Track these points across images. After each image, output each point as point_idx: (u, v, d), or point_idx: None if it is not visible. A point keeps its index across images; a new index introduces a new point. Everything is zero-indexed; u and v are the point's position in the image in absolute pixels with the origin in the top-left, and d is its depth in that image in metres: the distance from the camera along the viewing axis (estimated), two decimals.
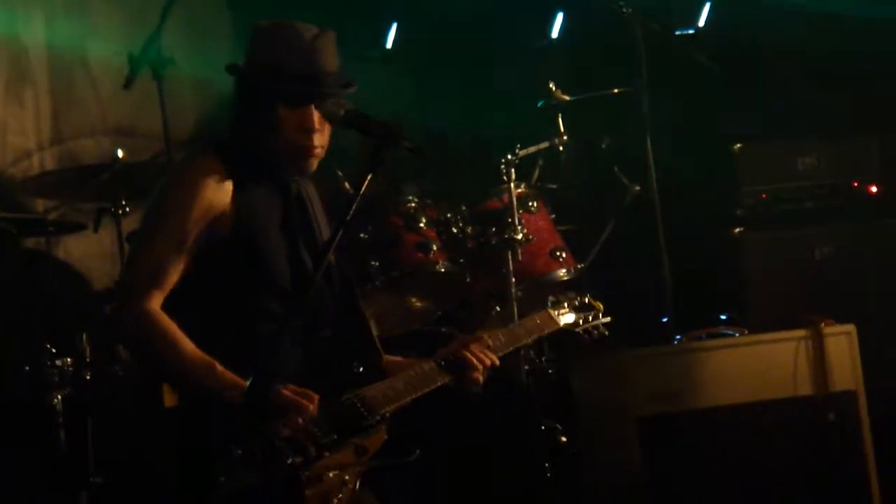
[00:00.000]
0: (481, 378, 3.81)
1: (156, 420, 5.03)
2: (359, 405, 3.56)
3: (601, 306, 4.28)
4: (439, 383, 3.76)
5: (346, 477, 3.49)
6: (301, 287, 3.63)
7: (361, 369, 3.66)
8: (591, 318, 4.28)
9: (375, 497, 3.68)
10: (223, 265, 3.60)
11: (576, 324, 4.25)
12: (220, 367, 3.44)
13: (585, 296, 4.29)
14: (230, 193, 3.62)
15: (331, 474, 3.44)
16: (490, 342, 3.91)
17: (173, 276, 3.55)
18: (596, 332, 4.29)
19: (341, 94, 3.74)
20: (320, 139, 3.73)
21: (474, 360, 3.80)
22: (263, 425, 3.34)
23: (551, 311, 4.22)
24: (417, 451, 3.58)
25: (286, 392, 3.40)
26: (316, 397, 3.43)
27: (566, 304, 4.26)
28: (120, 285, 3.63)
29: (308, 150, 3.72)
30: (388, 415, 3.61)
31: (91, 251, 6.10)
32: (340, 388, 3.54)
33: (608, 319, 4.40)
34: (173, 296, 3.55)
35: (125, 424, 5.16)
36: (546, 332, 4.17)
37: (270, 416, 3.35)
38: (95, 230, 5.70)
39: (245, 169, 3.67)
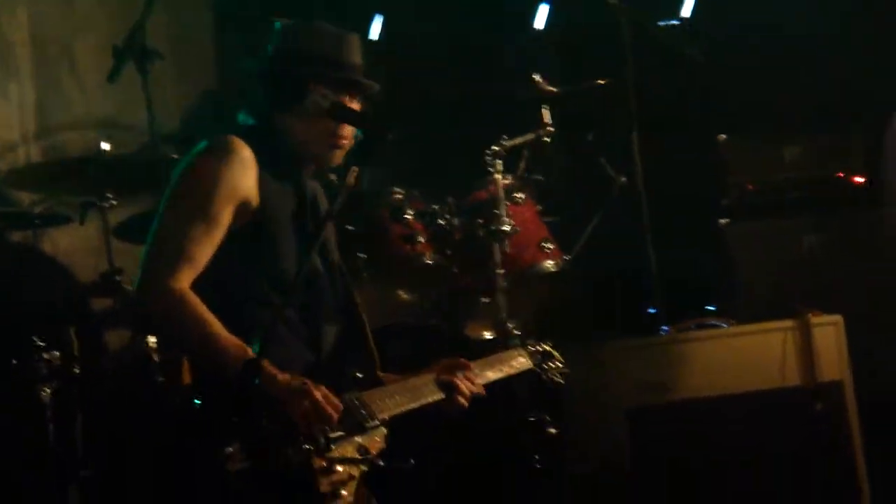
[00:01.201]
0: (466, 405, 3.82)
1: (145, 412, 5.03)
2: (360, 407, 3.56)
3: (560, 356, 4.34)
4: (432, 399, 3.77)
5: (353, 472, 3.49)
6: (306, 284, 3.61)
7: (359, 376, 3.66)
8: (551, 365, 4.32)
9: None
10: (235, 250, 3.55)
11: (540, 368, 4.31)
12: (252, 352, 3.39)
13: (547, 343, 4.34)
14: (256, 181, 3.58)
15: (340, 468, 3.44)
16: (477, 371, 3.93)
17: (203, 255, 3.49)
18: (555, 380, 4.32)
19: (368, 86, 3.76)
20: (350, 129, 3.70)
21: (463, 387, 3.81)
22: (281, 412, 3.34)
23: (522, 351, 4.28)
24: (412, 461, 3.60)
25: (318, 394, 3.38)
26: (340, 406, 3.42)
27: (532, 348, 4.31)
28: (146, 262, 3.49)
29: (340, 138, 3.70)
30: (386, 420, 3.61)
31: (77, 244, 6.09)
32: (341, 389, 3.53)
33: (566, 371, 4.40)
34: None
35: (113, 418, 5.14)
36: (517, 371, 4.19)
37: (294, 408, 3.35)
38: (81, 223, 5.68)
39: (267, 159, 3.63)
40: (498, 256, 5.61)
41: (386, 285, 5.80)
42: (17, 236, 5.94)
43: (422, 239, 5.68)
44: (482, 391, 3.88)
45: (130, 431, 5.08)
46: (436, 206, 5.83)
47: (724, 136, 6.30)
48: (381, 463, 3.55)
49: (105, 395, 5.18)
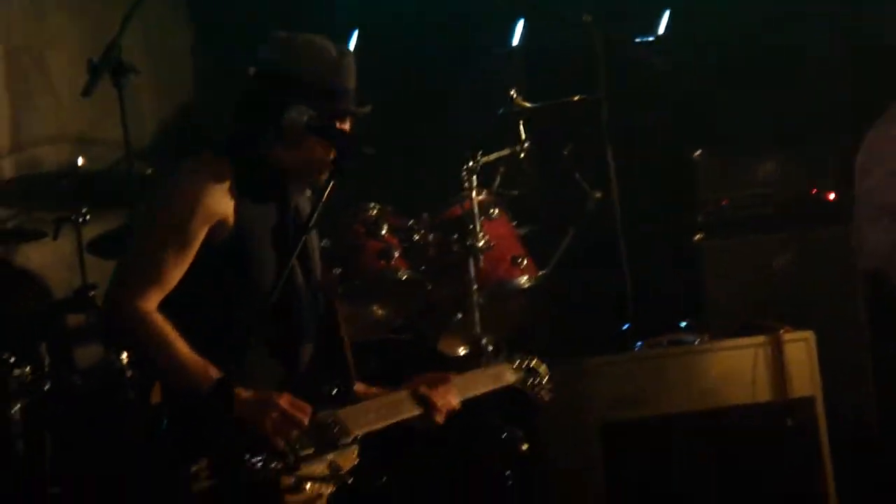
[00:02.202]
0: (442, 420, 3.79)
1: (115, 429, 5.02)
2: (334, 424, 3.55)
3: (546, 371, 4.27)
4: (409, 415, 3.75)
5: (321, 490, 3.50)
6: (286, 299, 3.60)
7: (335, 392, 3.65)
8: (537, 381, 4.25)
9: None
10: (212, 268, 3.55)
11: (524, 383, 4.24)
12: (214, 370, 3.40)
13: (533, 358, 4.27)
14: (233, 200, 3.57)
15: (308, 485, 3.44)
16: (459, 385, 3.90)
17: (174, 276, 3.50)
18: (540, 395, 4.27)
19: (360, 113, 3.72)
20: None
21: (440, 402, 3.77)
22: (250, 429, 3.35)
23: (506, 366, 4.20)
24: (384, 478, 3.60)
25: (283, 402, 3.39)
26: (309, 409, 3.43)
27: (517, 363, 4.24)
28: (113, 281, 3.52)
29: (326, 163, 3.65)
30: (360, 437, 3.61)
31: (50, 259, 6.06)
32: (316, 406, 3.52)
33: (551, 387, 4.35)
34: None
35: (84, 435, 5.12)
36: (500, 386, 4.14)
37: (262, 422, 3.36)
38: (55, 238, 5.67)
39: (249, 177, 3.62)
40: (472, 272, 5.62)
41: (360, 301, 5.80)
42: None
43: (396, 254, 5.68)
44: (458, 407, 3.85)
45: (100, 449, 5.06)
46: (411, 222, 5.83)
47: (698, 153, 6.32)
48: (350, 481, 3.54)
49: (76, 412, 5.16)
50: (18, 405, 5.01)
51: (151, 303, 3.46)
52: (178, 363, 3.42)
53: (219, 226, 3.55)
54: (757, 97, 6.77)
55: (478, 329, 5.54)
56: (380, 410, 3.69)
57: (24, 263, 6.03)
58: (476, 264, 5.63)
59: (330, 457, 3.52)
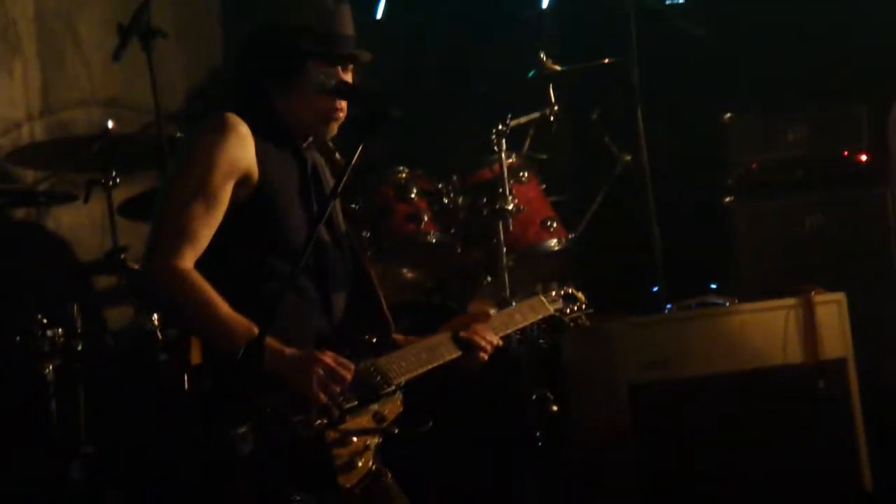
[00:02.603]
0: (486, 358, 3.81)
1: (147, 390, 5.05)
2: (375, 373, 3.56)
3: (584, 298, 4.29)
4: (450, 357, 3.76)
5: (368, 442, 3.51)
6: (314, 254, 3.59)
7: (375, 340, 3.65)
8: (575, 308, 4.28)
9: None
10: (242, 225, 3.55)
11: (563, 312, 4.25)
12: (254, 327, 3.38)
13: (570, 287, 4.29)
14: (256, 154, 3.56)
15: (355, 438, 3.45)
16: (494, 322, 3.92)
17: (206, 233, 3.49)
18: (580, 321, 4.31)
19: (362, 58, 3.72)
20: (344, 102, 3.68)
21: (482, 341, 3.79)
22: (293, 387, 3.36)
23: (542, 298, 4.21)
24: (430, 423, 3.59)
25: (327, 359, 3.40)
26: (353, 367, 3.44)
27: (553, 293, 4.26)
28: (148, 243, 3.50)
29: (335, 111, 3.67)
30: (402, 384, 3.61)
31: (81, 222, 6.09)
32: (355, 357, 3.53)
33: (591, 310, 4.40)
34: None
35: (116, 395, 5.16)
36: (539, 317, 4.16)
37: (305, 380, 3.36)
38: (86, 201, 5.69)
39: (265, 132, 3.61)
40: (502, 235, 5.62)
41: (390, 263, 5.81)
42: (20, 214, 5.94)
43: (426, 217, 5.69)
44: (500, 343, 3.86)
45: (132, 409, 5.09)
46: (440, 185, 5.84)
47: (728, 115, 6.29)
48: (397, 430, 3.55)
49: (108, 372, 5.20)
50: (51, 366, 5.06)
51: (187, 261, 3.45)
52: (219, 322, 3.41)
53: (244, 181, 3.55)
54: (787, 58, 6.73)
55: (507, 292, 5.54)
56: (420, 355, 3.69)
57: (55, 226, 6.06)
58: (505, 228, 5.63)
59: (374, 407, 3.53)
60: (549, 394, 5.44)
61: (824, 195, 6.13)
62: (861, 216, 6.07)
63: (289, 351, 3.41)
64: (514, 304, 4.31)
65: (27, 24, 6.09)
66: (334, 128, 3.73)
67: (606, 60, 6.03)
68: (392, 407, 3.59)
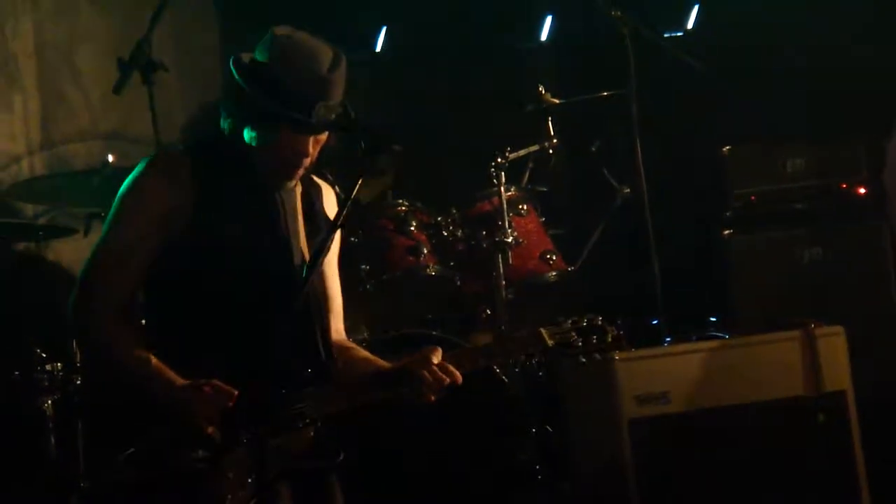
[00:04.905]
0: (433, 396, 3.66)
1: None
2: (291, 405, 3.56)
3: (611, 329, 3.98)
4: (382, 395, 3.67)
5: (249, 479, 3.49)
6: (256, 284, 3.63)
7: (309, 370, 3.64)
8: (594, 339, 3.95)
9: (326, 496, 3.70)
10: (180, 258, 3.60)
11: (571, 345, 3.92)
12: (154, 362, 3.49)
13: (596, 318, 3.99)
14: (188, 188, 3.59)
15: (231, 474, 3.47)
16: (460, 358, 3.75)
17: (132, 276, 3.60)
18: (601, 353, 3.98)
19: (318, 133, 3.68)
20: (310, 159, 3.68)
21: (429, 378, 3.63)
22: (175, 418, 3.43)
23: (543, 331, 3.92)
24: (342, 455, 3.59)
25: (207, 388, 3.44)
26: (234, 394, 3.44)
27: (568, 324, 3.96)
28: (77, 285, 3.67)
29: (296, 169, 3.69)
30: (318, 418, 3.60)
31: (81, 256, 5.97)
32: (285, 386, 3.56)
33: (620, 345, 4.07)
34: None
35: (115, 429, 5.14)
36: (524, 353, 3.89)
37: (187, 411, 3.43)
38: (86, 235, 5.69)
39: (218, 167, 3.64)
40: (501, 268, 5.63)
41: (390, 296, 5.80)
42: (20, 247, 5.95)
43: (425, 250, 5.70)
44: (458, 379, 3.65)
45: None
46: (439, 218, 5.84)
47: (727, 148, 6.30)
48: (301, 464, 3.56)
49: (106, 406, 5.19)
50: (49, 400, 5.05)
51: (106, 309, 3.59)
52: (122, 360, 3.56)
53: (176, 216, 3.59)
54: (786, 91, 6.74)
55: (506, 325, 5.54)
56: (351, 390, 3.65)
57: (55, 259, 6.06)
58: (505, 260, 5.64)
59: (277, 441, 3.51)
60: (548, 428, 5.43)
61: (823, 228, 6.14)
62: (859, 249, 6.07)
63: (179, 382, 3.47)
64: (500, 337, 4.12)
65: (27, 58, 6.12)
66: (296, 178, 3.72)
67: (605, 93, 6.04)
68: (300, 440, 3.58)
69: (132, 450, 3.41)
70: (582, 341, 3.94)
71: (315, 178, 3.90)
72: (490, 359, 3.96)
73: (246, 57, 3.68)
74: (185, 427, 3.45)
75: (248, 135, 3.66)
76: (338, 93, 3.63)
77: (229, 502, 3.48)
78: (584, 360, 3.96)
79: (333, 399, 3.63)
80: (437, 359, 3.67)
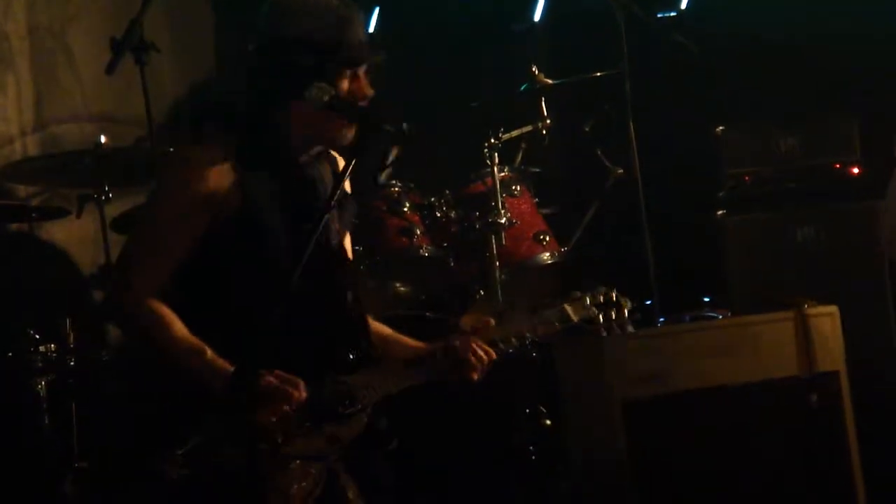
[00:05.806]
0: (477, 376, 3.69)
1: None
2: (340, 393, 3.52)
3: (628, 303, 4.02)
4: (427, 379, 3.68)
5: (313, 469, 3.48)
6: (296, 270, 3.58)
7: (352, 356, 3.60)
8: (614, 314, 3.99)
9: (354, 485, 3.66)
10: (223, 248, 3.53)
11: (592, 321, 3.95)
12: (210, 353, 3.40)
13: (612, 291, 4.03)
14: (231, 177, 3.52)
15: (296, 463, 3.44)
16: (494, 335, 3.77)
17: (171, 265, 3.51)
18: (622, 327, 4.03)
19: (375, 61, 3.66)
20: (344, 122, 3.59)
21: (473, 360, 3.67)
22: (241, 411, 3.30)
23: (567, 307, 3.93)
24: (396, 441, 3.57)
25: (272, 379, 3.36)
26: (302, 384, 3.39)
27: (588, 299, 3.98)
28: (116, 271, 3.59)
29: (334, 131, 3.60)
30: (368, 404, 3.57)
31: (74, 237, 6.10)
32: (329, 374, 3.51)
33: (637, 316, 4.19)
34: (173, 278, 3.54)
35: (110, 410, 5.15)
36: (554, 329, 3.91)
37: (253, 404, 3.30)
38: (78, 216, 5.70)
39: (255, 152, 3.57)
40: (495, 249, 5.63)
41: (382, 278, 5.81)
42: (13, 228, 5.95)
43: (419, 231, 5.69)
44: (494, 356, 3.70)
45: (126, 424, 5.08)
46: (433, 199, 5.84)
47: (720, 128, 6.29)
48: (356, 452, 3.54)
49: (101, 388, 5.20)
50: (43, 381, 5.06)
51: (148, 292, 3.47)
52: (173, 347, 3.45)
53: (221, 207, 3.52)
54: (780, 71, 6.74)
55: (500, 306, 5.54)
56: (401, 373, 3.64)
57: (48, 241, 6.06)
58: (498, 241, 5.64)
59: (330, 428, 3.49)
60: (542, 408, 5.44)
61: (816, 208, 6.13)
62: (853, 229, 6.08)
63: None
64: (518, 313, 4.04)
65: (19, 39, 6.10)
66: (347, 136, 3.60)
67: (598, 73, 6.03)
68: (351, 428, 3.54)
69: (190, 444, 3.30)
70: (602, 316, 3.97)
71: (331, 151, 3.80)
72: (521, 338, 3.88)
73: (252, 39, 3.64)
74: (250, 419, 3.31)
75: (280, 114, 3.58)
76: (361, 28, 3.62)
77: (295, 492, 3.45)
78: (605, 334, 4.02)
79: (382, 384, 3.59)
80: (477, 343, 3.69)
